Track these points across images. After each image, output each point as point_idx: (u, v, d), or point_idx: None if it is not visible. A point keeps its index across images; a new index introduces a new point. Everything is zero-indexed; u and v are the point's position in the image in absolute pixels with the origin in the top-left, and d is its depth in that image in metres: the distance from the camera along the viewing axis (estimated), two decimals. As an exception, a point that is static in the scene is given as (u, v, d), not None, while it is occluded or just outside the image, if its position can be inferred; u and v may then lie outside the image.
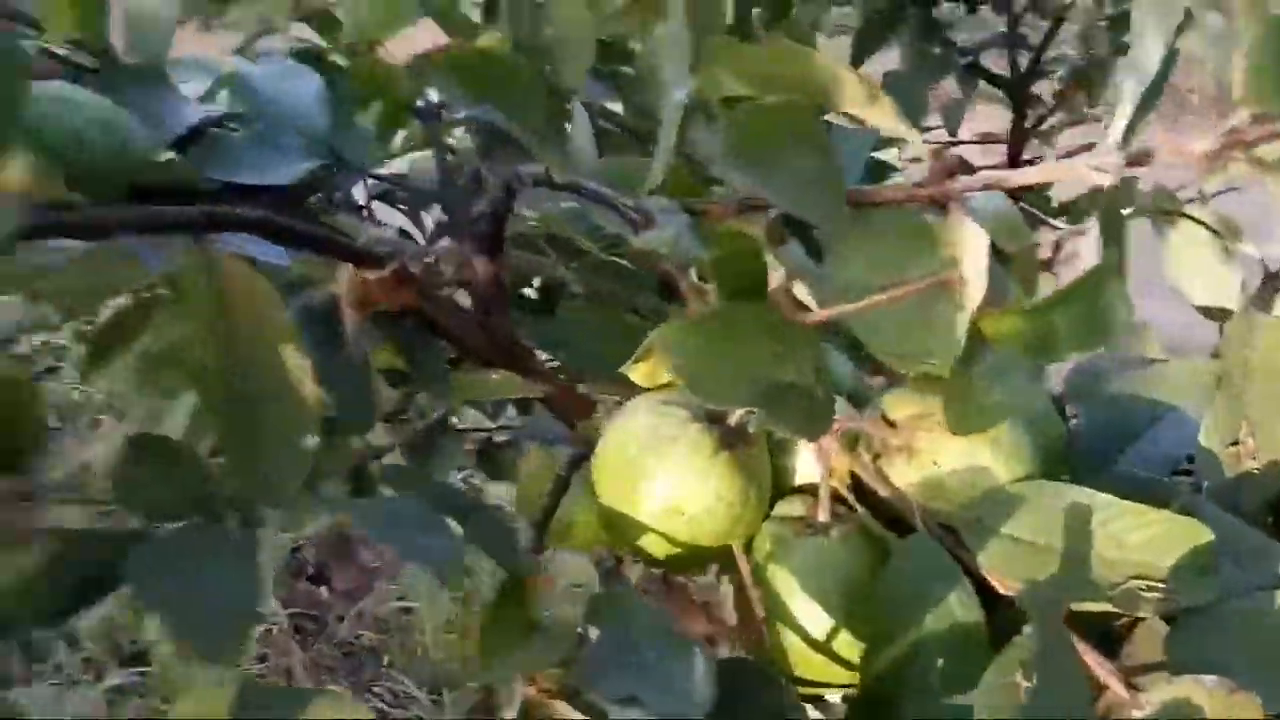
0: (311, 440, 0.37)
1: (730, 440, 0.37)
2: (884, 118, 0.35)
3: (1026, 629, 0.28)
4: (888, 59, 0.92)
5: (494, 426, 0.84)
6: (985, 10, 0.91)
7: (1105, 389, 0.46)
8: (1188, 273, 0.43)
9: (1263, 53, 0.31)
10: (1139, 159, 0.33)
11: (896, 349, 0.34)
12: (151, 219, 0.34)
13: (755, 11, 0.94)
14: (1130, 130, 0.34)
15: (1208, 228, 0.44)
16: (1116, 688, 0.29)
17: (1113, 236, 0.30)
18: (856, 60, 0.90)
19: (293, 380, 0.37)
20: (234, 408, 0.36)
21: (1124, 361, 0.45)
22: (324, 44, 0.56)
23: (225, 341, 0.36)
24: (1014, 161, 0.91)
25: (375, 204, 0.54)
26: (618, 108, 0.60)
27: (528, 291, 0.59)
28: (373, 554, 2.01)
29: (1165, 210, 0.43)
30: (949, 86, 0.90)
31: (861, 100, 0.35)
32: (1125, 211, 0.40)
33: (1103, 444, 0.43)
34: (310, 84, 0.46)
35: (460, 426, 0.80)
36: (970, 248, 0.34)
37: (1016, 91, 0.91)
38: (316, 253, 0.44)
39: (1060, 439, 0.40)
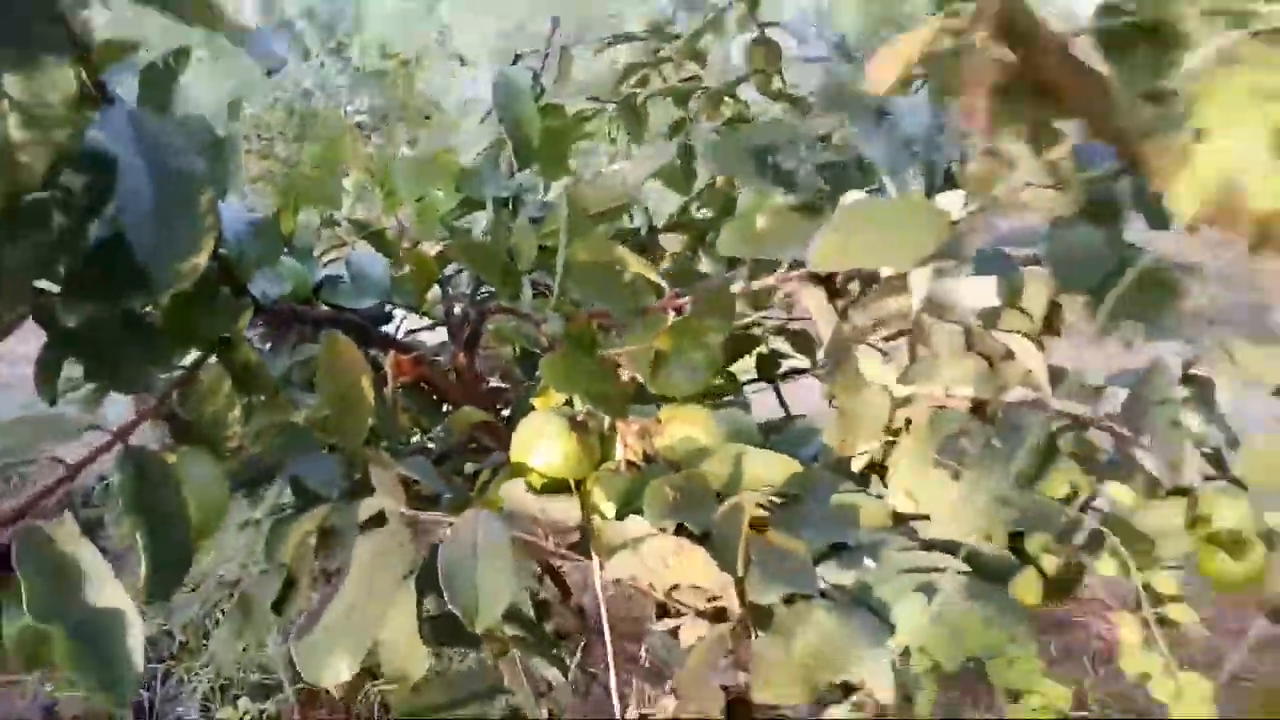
0: (370, 422, 0.76)
1: (576, 427, 0.76)
2: (644, 269, 0.77)
3: (675, 478, 0.66)
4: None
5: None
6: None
7: (796, 426, 0.85)
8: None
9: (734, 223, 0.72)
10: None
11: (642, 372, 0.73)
12: (315, 316, 0.76)
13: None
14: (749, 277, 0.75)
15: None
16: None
17: (718, 312, 0.70)
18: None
19: (364, 394, 0.76)
20: (338, 404, 0.76)
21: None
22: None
23: (336, 373, 0.76)
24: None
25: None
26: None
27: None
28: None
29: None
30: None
31: (639, 265, 0.77)
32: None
33: (788, 448, 0.82)
34: (381, 263, 0.89)
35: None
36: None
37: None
38: (380, 345, 0.85)
39: (752, 438, 0.79)
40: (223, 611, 1.69)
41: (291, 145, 5.20)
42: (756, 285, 0.70)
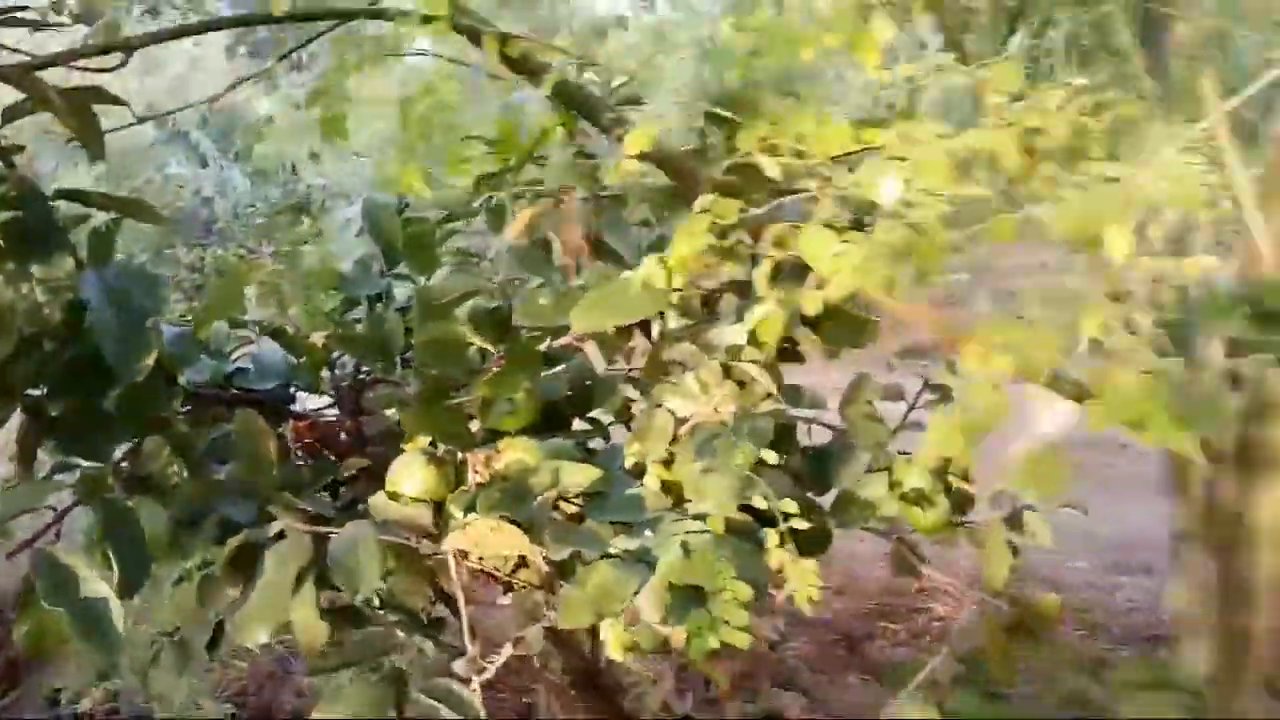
0: (274, 472, 1.01)
1: (433, 461, 1.02)
2: (480, 340, 1.04)
3: (503, 485, 0.92)
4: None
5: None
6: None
7: (611, 446, 1.13)
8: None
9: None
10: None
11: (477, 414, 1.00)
12: (228, 398, 1.01)
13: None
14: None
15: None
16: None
17: (523, 366, 0.97)
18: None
19: (270, 452, 1.01)
20: (250, 461, 1.00)
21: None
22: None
23: (248, 438, 1.01)
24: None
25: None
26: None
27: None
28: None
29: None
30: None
31: (476, 338, 1.04)
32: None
33: (605, 461, 1.09)
34: (279, 354, 1.14)
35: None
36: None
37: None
38: (283, 417, 1.10)
39: (571, 456, 1.06)
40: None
41: (194, 251, 5.38)
42: (558, 343, 0.98)
